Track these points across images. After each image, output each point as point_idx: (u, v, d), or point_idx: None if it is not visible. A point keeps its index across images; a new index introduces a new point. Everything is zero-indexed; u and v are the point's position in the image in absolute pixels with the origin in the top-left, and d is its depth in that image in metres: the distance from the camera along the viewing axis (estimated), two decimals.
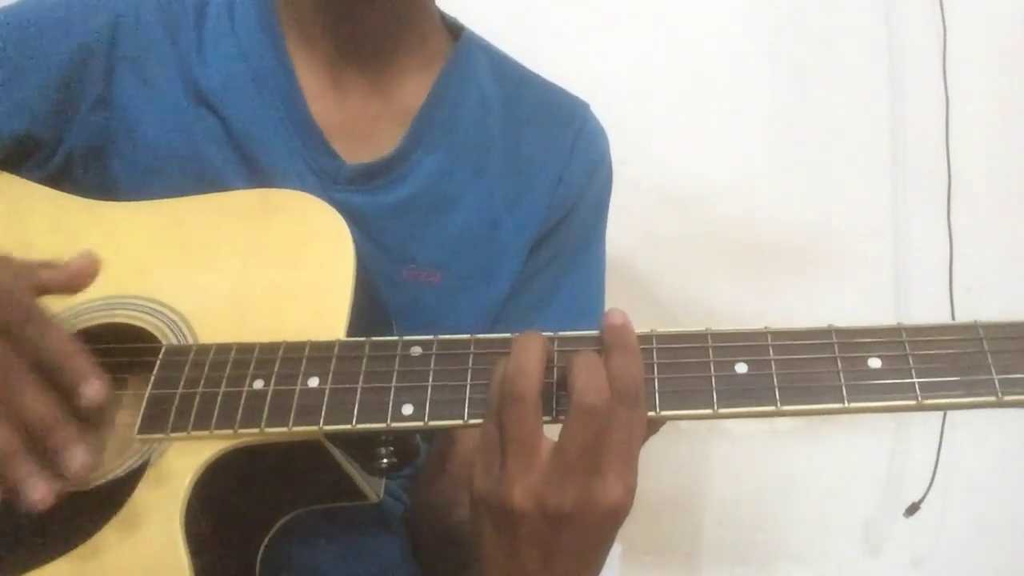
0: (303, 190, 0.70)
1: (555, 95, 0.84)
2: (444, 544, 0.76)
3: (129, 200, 0.70)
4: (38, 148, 0.72)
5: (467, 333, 0.75)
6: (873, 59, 1.24)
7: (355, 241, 0.63)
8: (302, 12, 0.75)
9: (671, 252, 1.26)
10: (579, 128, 0.82)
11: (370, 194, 0.74)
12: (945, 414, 1.21)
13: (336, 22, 0.74)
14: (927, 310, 1.25)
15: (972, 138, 1.22)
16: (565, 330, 0.73)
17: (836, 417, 1.31)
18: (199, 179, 0.71)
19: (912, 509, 1.22)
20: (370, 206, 0.74)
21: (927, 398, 0.50)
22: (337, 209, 0.70)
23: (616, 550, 1.20)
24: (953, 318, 1.22)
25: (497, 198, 0.77)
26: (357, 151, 0.74)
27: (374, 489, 0.62)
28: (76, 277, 0.61)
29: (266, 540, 0.63)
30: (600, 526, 0.50)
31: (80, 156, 0.72)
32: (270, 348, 0.58)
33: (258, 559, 0.62)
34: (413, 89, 0.77)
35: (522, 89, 0.82)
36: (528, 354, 0.51)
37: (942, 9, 1.21)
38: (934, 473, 1.22)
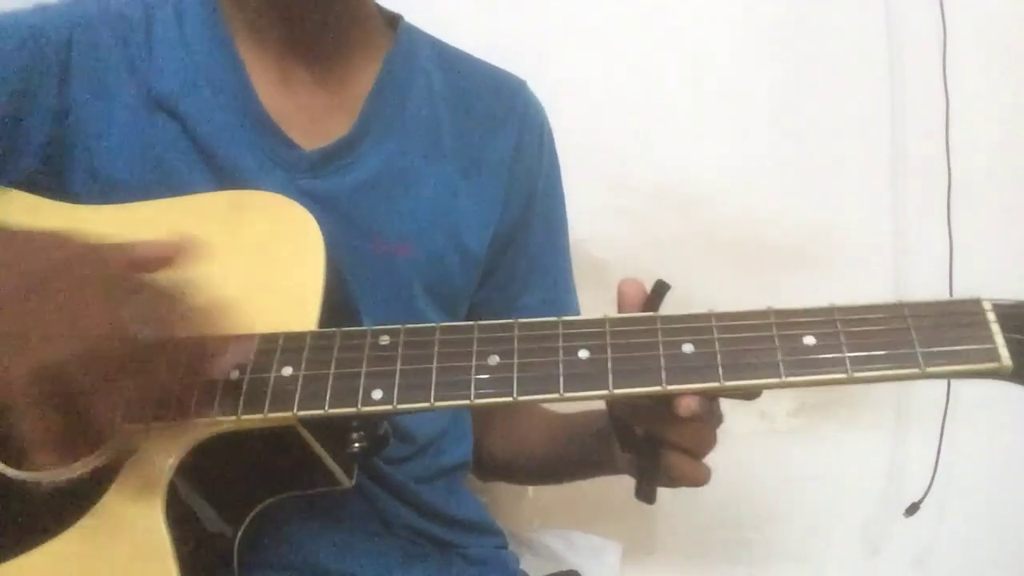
0: (269, 182, 0.74)
1: (495, 74, 0.89)
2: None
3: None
4: None
5: (437, 299, 0.80)
6: (873, 59, 1.24)
7: (324, 234, 0.66)
8: (248, 12, 0.77)
9: (671, 252, 1.25)
10: (524, 103, 0.88)
11: (332, 177, 0.77)
12: (945, 413, 1.21)
13: (282, 20, 0.76)
14: None
15: (972, 138, 1.22)
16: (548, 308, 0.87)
17: (837, 416, 1.32)
18: (161, 184, 0.72)
19: (912, 509, 1.22)
20: (334, 188, 0.77)
21: (857, 371, 0.54)
22: (304, 194, 0.74)
23: (616, 550, 1.20)
24: None
25: (452, 172, 0.81)
26: (312, 138, 0.77)
27: (347, 474, 0.64)
28: (173, 254, 0.58)
29: (243, 527, 0.65)
30: None
31: (37, 168, 0.73)
32: (245, 340, 0.59)
33: (235, 546, 0.64)
34: (359, 78, 0.80)
35: (463, 71, 0.87)
36: None
37: (942, 9, 1.21)
38: (934, 473, 1.21)
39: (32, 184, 0.73)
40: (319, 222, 0.68)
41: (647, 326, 0.57)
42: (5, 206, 0.70)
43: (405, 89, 0.81)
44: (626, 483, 1.29)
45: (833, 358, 0.54)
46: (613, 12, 1.26)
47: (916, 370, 0.53)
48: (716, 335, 0.56)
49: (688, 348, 0.56)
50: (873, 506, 1.27)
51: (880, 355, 0.54)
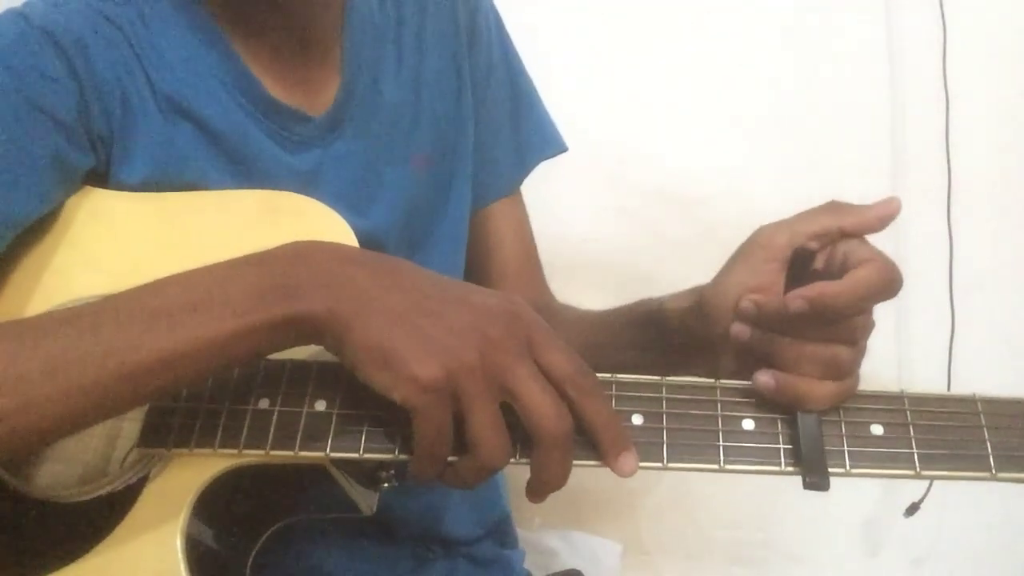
0: (300, 163, 0.74)
1: None
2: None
3: None
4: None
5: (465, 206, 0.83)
6: (873, 59, 1.24)
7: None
8: (236, 10, 0.75)
9: (671, 252, 1.25)
10: None
11: (348, 128, 0.78)
12: None
13: (277, 17, 0.75)
14: (927, 310, 1.24)
15: (972, 138, 1.22)
16: None
17: None
18: (182, 185, 0.71)
19: (912, 509, 1.22)
20: (356, 135, 0.79)
21: (925, 468, 0.52)
22: (341, 159, 0.76)
23: (616, 550, 1.20)
24: (952, 318, 1.23)
25: (426, 82, 0.85)
26: (316, 105, 0.78)
27: (368, 504, 0.62)
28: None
29: (257, 548, 0.63)
30: None
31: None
32: (275, 366, 0.57)
33: (248, 567, 0.62)
34: (336, 35, 0.81)
35: None
36: None
37: (942, 9, 1.21)
38: None
39: None
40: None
41: (706, 396, 0.55)
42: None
43: (367, 28, 0.82)
44: (626, 483, 1.29)
45: (900, 453, 0.52)
46: (613, 12, 1.26)
47: (987, 474, 0.51)
48: (778, 413, 0.54)
49: (748, 425, 0.54)
50: (873, 506, 1.27)
51: (950, 455, 0.52)
